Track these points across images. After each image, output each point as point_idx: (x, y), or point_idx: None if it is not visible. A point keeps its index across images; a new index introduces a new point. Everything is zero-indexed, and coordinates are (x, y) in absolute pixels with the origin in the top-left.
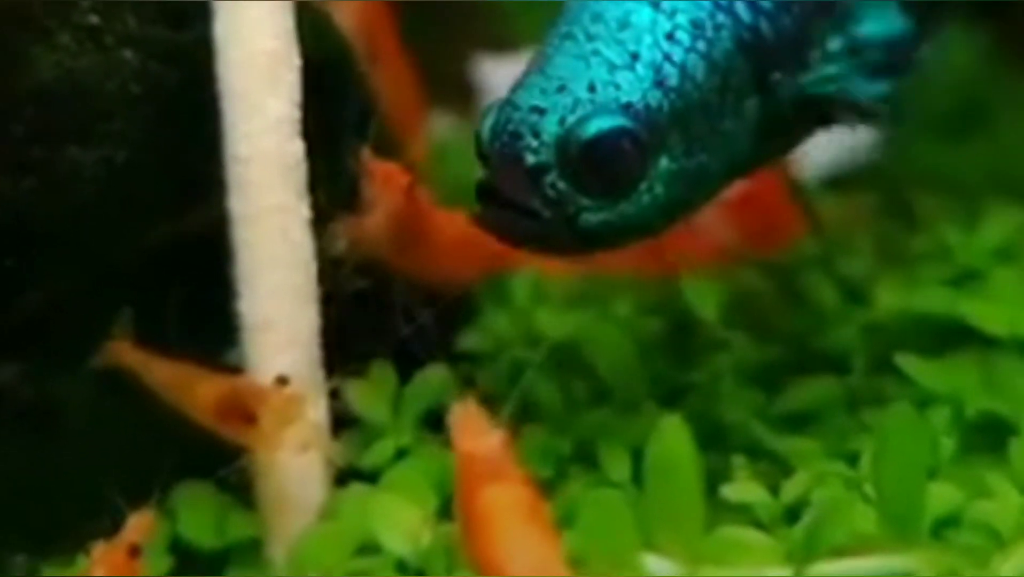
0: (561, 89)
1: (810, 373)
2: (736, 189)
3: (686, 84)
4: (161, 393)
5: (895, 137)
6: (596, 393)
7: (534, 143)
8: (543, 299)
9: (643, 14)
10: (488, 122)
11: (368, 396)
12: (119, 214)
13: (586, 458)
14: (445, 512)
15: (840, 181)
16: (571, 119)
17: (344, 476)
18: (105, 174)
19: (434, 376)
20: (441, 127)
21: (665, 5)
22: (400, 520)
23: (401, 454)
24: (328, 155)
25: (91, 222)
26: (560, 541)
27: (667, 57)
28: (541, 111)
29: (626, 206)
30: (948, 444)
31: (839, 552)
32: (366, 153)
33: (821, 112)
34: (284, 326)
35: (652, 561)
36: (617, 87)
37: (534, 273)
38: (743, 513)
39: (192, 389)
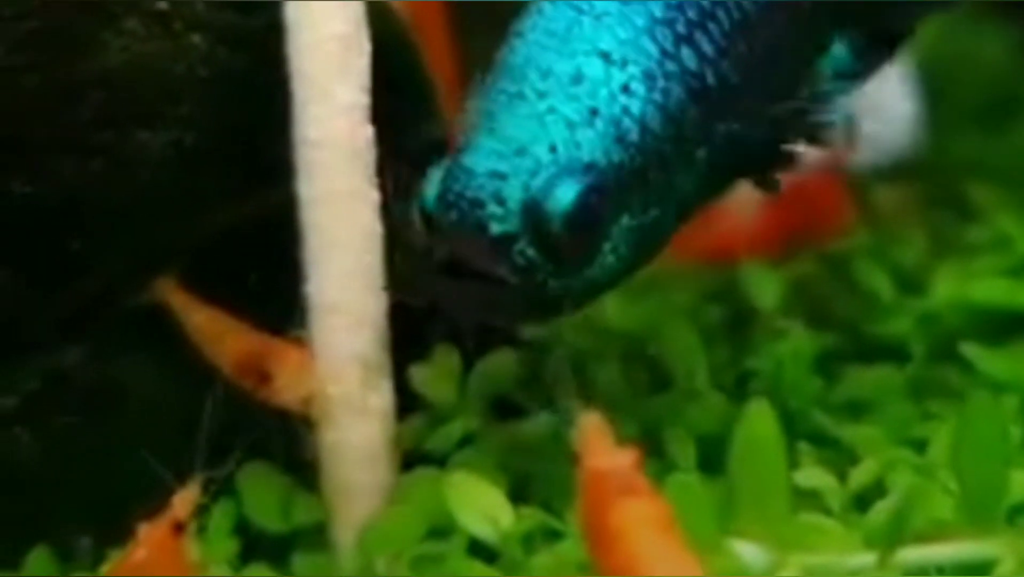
0: (520, 152)
1: (868, 362)
2: (788, 180)
3: (646, 138)
4: (195, 339)
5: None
6: (658, 382)
7: (499, 211)
8: None
9: (595, 67)
10: (434, 189)
11: (434, 379)
12: (185, 197)
13: (650, 446)
14: (514, 499)
15: (888, 172)
16: (536, 183)
17: (410, 461)
18: (173, 157)
19: (499, 361)
20: None
21: (615, 57)
22: (477, 501)
23: (467, 439)
24: (395, 139)
25: (157, 205)
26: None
27: (625, 111)
28: (502, 176)
29: (590, 269)
30: (1015, 432)
31: (920, 538)
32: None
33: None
34: (352, 309)
35: (742, 547)
36: (578, 146)
37: None
38: (812, 500)
39: (222, 340)
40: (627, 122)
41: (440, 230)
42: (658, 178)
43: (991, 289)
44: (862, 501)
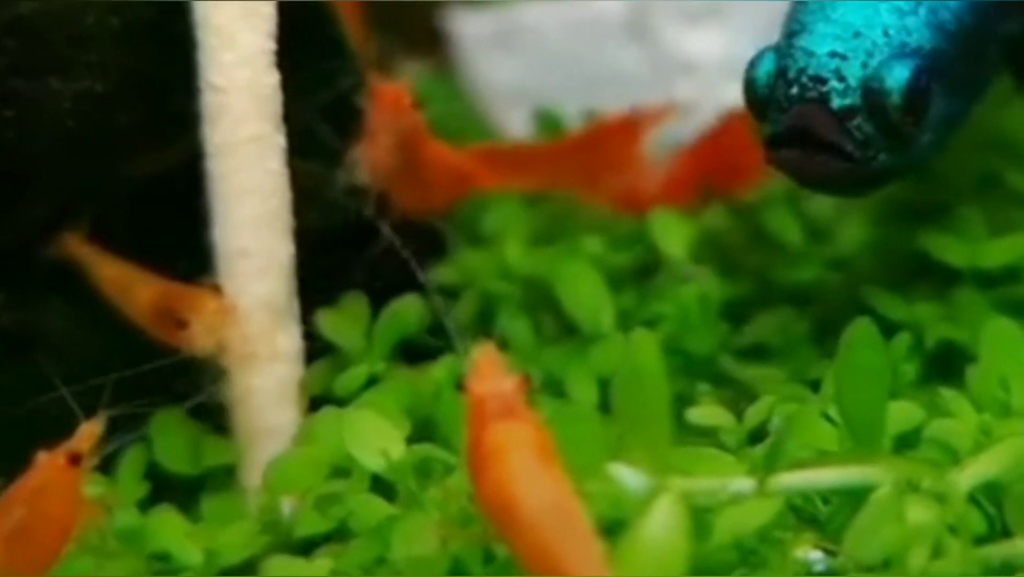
0: (857, 35)
1: (776, 307)
2: (700, 131)
3: (959, 30)
4: (105, 290)
5: None
6: (565, 327)
7: (840, 86)
8: (512, 235)
9: None
10: (766, 68)
11: (341, 325)
12: (97, 144)
13: (554, 388)
14: (417, 440)
15: None
16: (873, 63)
17: (317, 404)
18: (84, 106)
19: (406, 307)
20: (413, 73)
21: None
22: (373, 437)
23: (373, 381)
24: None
25: (70, 152)
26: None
27: (944, 3)
28: (842, 56)
29: (910, 148)
30: (909, 371)
31: (801, 466)
32: (373, 76)
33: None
34: (259, 254)
35: (621, 471)
36: (908, 32)
37: (503, 211)
38: (709, 438)
39: (132, 290)
40: (944, 13)
41: (777, 106)
42: (964, 69)
43: (894, 234)
44: (758, 439)
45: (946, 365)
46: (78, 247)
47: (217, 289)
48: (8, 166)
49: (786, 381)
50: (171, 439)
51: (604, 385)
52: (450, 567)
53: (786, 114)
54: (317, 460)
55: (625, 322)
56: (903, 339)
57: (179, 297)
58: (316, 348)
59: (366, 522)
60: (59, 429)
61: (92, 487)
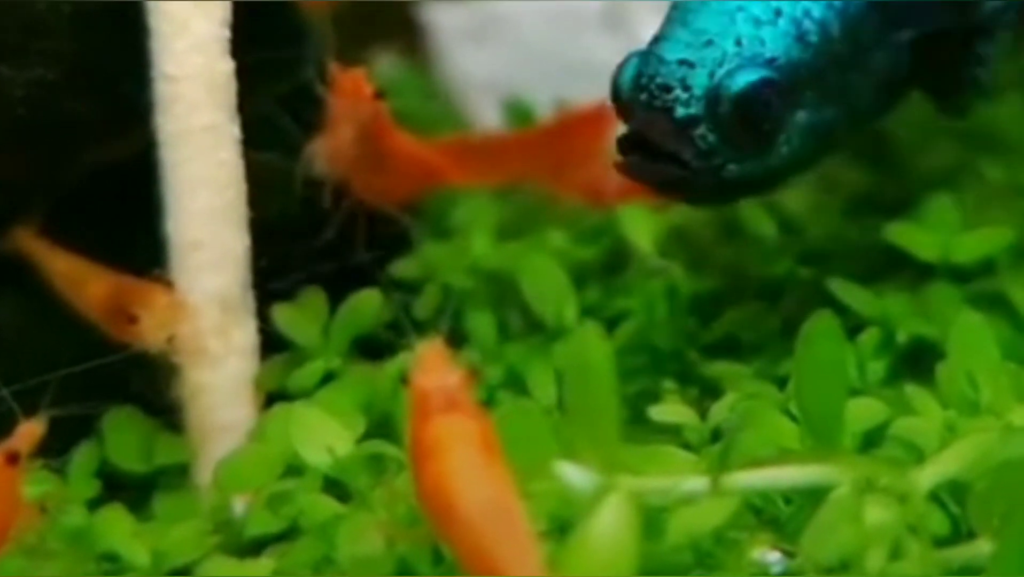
0: (708, 43)
1: (746, 302)
2: None
3: (824, 39)
4: (56, 285)
5: None
6: (529, 322)
7: (684, 96)
8: (478, 229)
9: None
10: (628, 73)
11: (298, 319)
12: (49, 134)
13: (516, 385)
14: (374, 437)
15: None
16: (720, 73)
17: (273, 400)
18: (36, 93)
19: (365, 302)
20: (387, 65)
21: None
22: (321, 434)
23: (329, 377)
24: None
25: (21, 141)
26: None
27: (807, 13)
28: (690, 64)
29: (766, 158)
30: (878, 367)
31: (758, 464)
32: (333, 66)
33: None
34: (214, 246)
35: (569, 469)
36: (762, 42)
37: (470, 205)
38: (673, 436)
39: (84, 284)
40: (808, 23)
41: (632, 111)
42: (834, 79)
43: (865, 227)
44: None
45: (917, 361)
46: (29, 241)
47: (168, 284)
48: None
49: (753, 377)
50: (123, 436)
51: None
52: (397, 567)
53: (634, 120)
54: (269, 458)
55: (590, 317)
56: (872, 335)
57: (129, 292)
58: (272, 343)
59: (315, 521)
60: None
61: (39, 486)
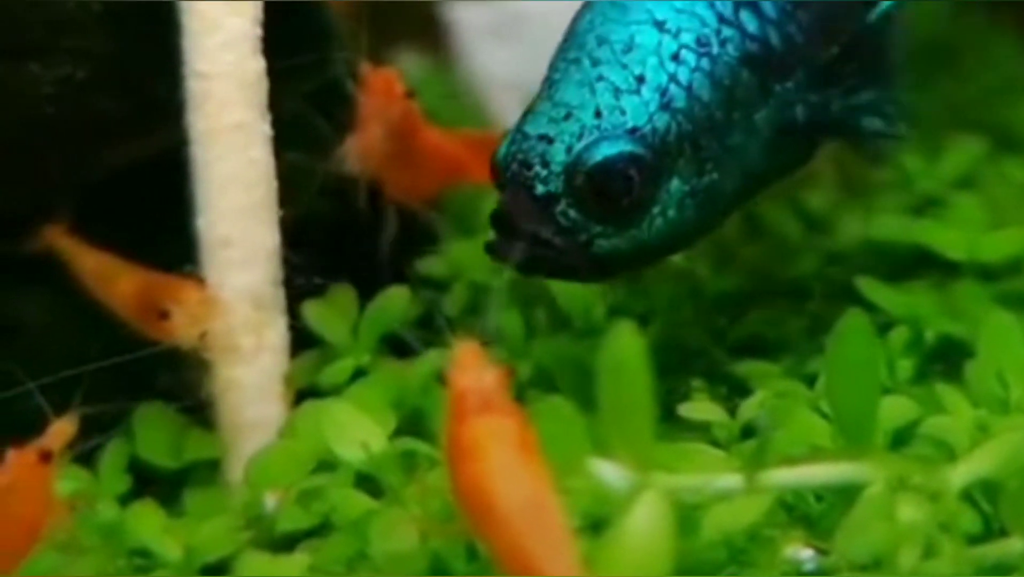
0: (568, 116)
1: (771, 301)
2: None
3: (693, 104)
4: (86, 282)
5: None
6: (556, 320)
7: (543, 172)
8: None
9: (648, 36)
10: (501, 151)
11: (328, 316)
12: (77, 131)
13: (545, 383)
14: (404, 434)
15: None
16: (578, 146)
17: (303, 396)
18: (64, 91)
19: (394, 299)
20: (410, 63)
21: (670, 25)
22: (354, 430)
23: (359, 374)
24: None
25: (49, 139)
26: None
27: (672, 78)
28: (549, 139)
29: (638, 231)
30: (907, 366)
31: (791, 462)
32: (364, 65)
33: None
34: (244, 243)
35: (604, 467)
36: (623, 112)
37: None
38: (702, 433)
39: (114, 281)
40: (674, 89)
41: (501, 188)
42: (711, 143)
43: (892, 226)
44: (752, 434)
45: (946, 360)
46: (59, 239)
47: (200, 280)
48: None
49: (781, 376)
50: (154, 433)
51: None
52: (430, 563)
53: (501, 198)
54: (300, 454)
55: (618, 315)
56: (901, 333)
57: (162, 288)
58: (302, 340)
59: (348, 517)
60: (38, 425)
61: (70, 482)
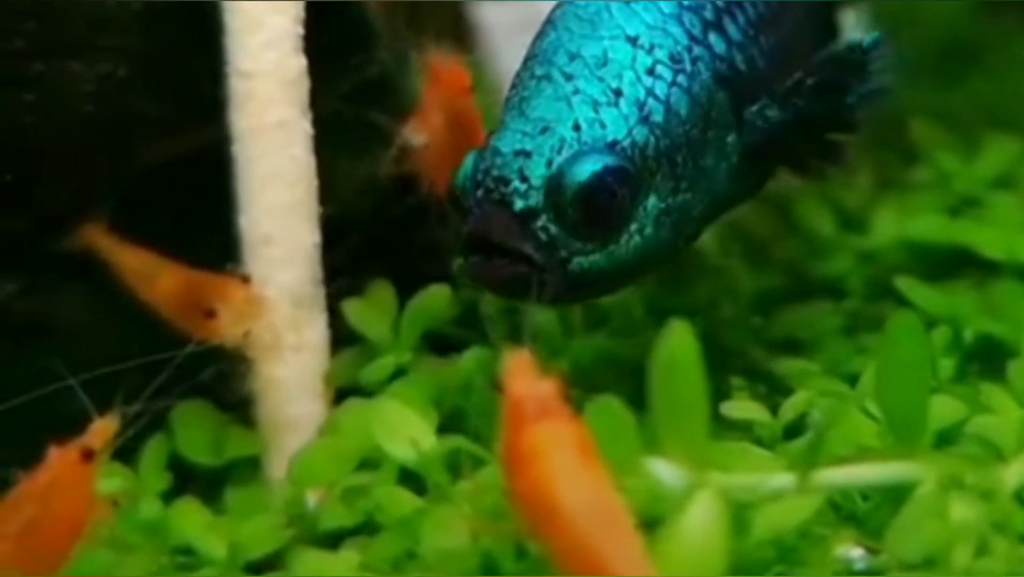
0: (545, 130)
1: (807, 300)
2: None
3: (671, 119)
4: (126, 280)
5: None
6: (594, 319)
7: (522, 187)
8: None
9: (622, 51)
10: (465, 171)
11: (368, 314)
12: (118, 129)
13: (584, 381)
14: (444, 430)
15: None
16: (559, 160)
17: (343, 394)
18: (105, 89)
19: (435, 297)
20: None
21: (642, 40)
22: (402, 428)
23: (400, 372)
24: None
25: (90, 137)
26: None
27: (650, 92)
28: (527, 154)
29: (616, 247)
30: (948, 366)
31: (841, 461)
32: (432, 55)
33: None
34: (285, 241)
35: (659, 466)
36: (603, 125)
37: None
38: (744, 432)
39: (156, 279)
40: (652, 103)
41: (469, 209)
42: (686, 162)
43: (929, 226)
44: (793, 433)
45: (986, 359)
46: (98, 237)
47: (245, 278)
48: (28, 151)
49: (821, 375)
50: (194, 430)
51: (635, 378)
52: (481, 562)
53: (472, 218)
54: (343, 452)
55: (655, 314)
56: (942, 333)
57: (206, 286)
58: (342, 338)
59: (393, 515)
60: (77, 422)
61: (112, 479)
